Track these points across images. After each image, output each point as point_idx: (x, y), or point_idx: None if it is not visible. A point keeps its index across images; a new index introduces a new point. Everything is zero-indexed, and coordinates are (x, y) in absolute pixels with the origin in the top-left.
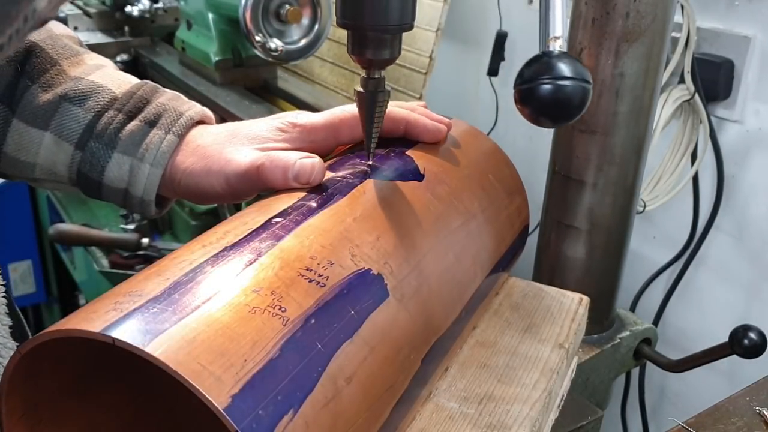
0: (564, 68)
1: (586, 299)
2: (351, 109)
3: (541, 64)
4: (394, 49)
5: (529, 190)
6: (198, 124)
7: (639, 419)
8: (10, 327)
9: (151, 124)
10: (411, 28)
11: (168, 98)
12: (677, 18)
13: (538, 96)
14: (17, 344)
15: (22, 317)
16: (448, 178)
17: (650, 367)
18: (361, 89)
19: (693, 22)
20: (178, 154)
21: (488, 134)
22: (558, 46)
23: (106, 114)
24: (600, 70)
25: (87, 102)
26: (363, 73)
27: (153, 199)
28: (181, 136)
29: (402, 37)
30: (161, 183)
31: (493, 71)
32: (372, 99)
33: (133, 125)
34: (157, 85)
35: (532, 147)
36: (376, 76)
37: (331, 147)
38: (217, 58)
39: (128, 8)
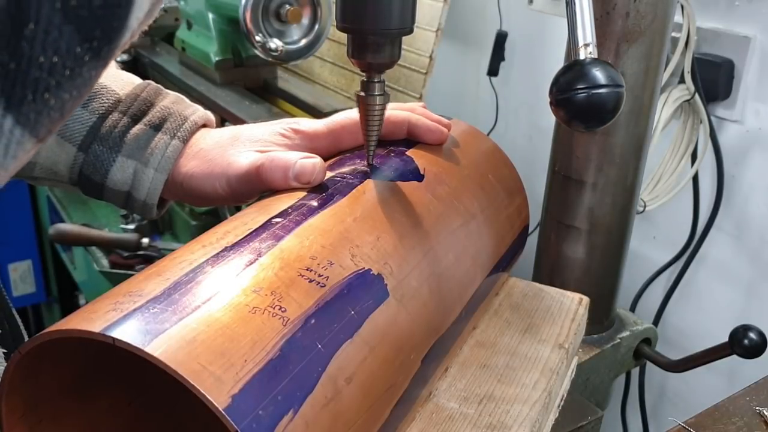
0: (598, 76)
1: (586, 299)
2: (352, 115)
3: (574, 73)
4: (394, 53)
5: (529, 190)
6: (201, 127)
7: (639, 419)
8: (0, 335)
9: (156, 128)
10: (411, 32)
11: (171, 101)
12: (677, 18)
13: (574, 105)
14: (4, 351)
15: (19, 321)
16: (448, 179)
17: (650, 367)
18: (361, 93)
19: (693, 22)
20: (181, 158)
21: (488, 134)
22: (588, 53)
23: (110, 116)
24: None
25: (91, 103)
26: (363, 77)
27: (156, 202)
28: (186, 141)
29: (402, 41)
30: (164, 186)
31: (493, 71)
32: (372, 102)
33: (137, 129)
34: (160, 86)
35: (532, 147)
36: (376, 80)
37: (332, 154)
38: (217, 58)
39: None
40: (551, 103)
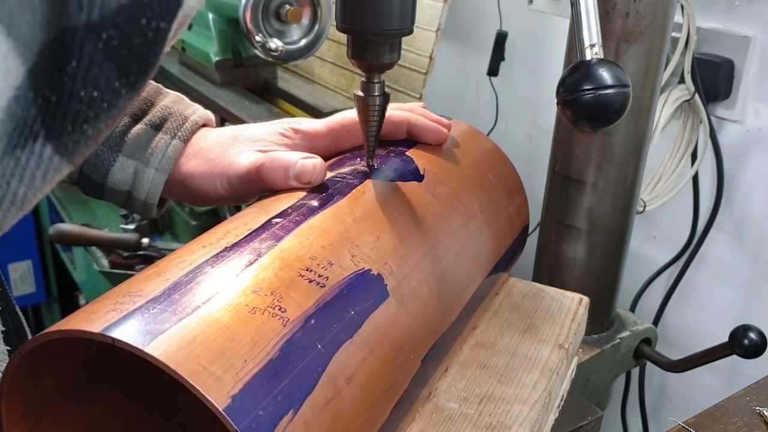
0: (604, 76)
1: (585, 299)
2: (352, 115)
3: (581, 74)
4: (394, 54)
5: (529, 190)
6: (201, 127)
7: (639, 419)
8: (3, 332)
9: (157, 127)
10: (411, 32)
11: (172, 101)
12: (677, 18)
13: (581, 106)
14: (8, 348)
15: (22, 319)
16: (447, 179)
17: (650, 367)
18: (361, 93)
19: (693, 22)
20: (182, 157)
21: (488, 134)
22: (594, 53)
23: None
24: None
25: None
26: (363, 77)
27: (156, 202)
28: (186, 141)
29: (402, 42)
30: (164, 186)
31: (493, 71)
32: (372, 103)
33: (138, 128)
34: (160, 86)
35: (532, 147)
36: (376, 80)
37: (333, 153)
38: (217, 58)
39: None
40: (558, 104)
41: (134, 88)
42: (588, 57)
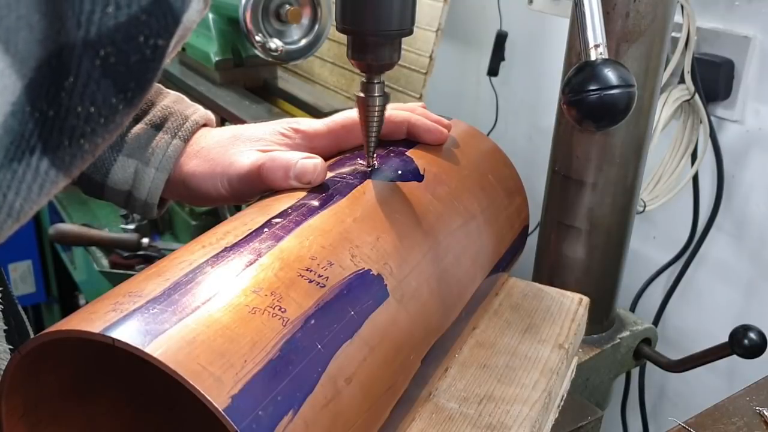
0: (610, 77)
1: (585, 299)
2: (352, 115)
3: (586, 74)
4: (394, 54)
5: (529, 190)
6: (201, 127)
7: (639, 419)
8: (6, 331)
9: (157, 127)
10: (410, 33)
11: (172, 101)
12: (677, 18)
13: (587, 106)
14: (11, 348)
15: (24, 318)
16: (447, 179)
17: (650, 367)
18: (361, 94)
19: (693, 22)
20: (182, 157)
21: (488, 134)
22: (599, 53)
23: None
24: None
25: None
26: (363, 77)
27: (156, 202)
28: (187, 141)
29: (402, 42)
30: (164, 186)
31: (493, 71)
32: (372, 103)
33: (138, 128)
34: (160, 86)
35: (532, 147)
36: (376, 81)
37: (333, 153)
38: (217, 58)
39: None
40: (563, 104)
41: (131, 104)
42: (593, 57)
